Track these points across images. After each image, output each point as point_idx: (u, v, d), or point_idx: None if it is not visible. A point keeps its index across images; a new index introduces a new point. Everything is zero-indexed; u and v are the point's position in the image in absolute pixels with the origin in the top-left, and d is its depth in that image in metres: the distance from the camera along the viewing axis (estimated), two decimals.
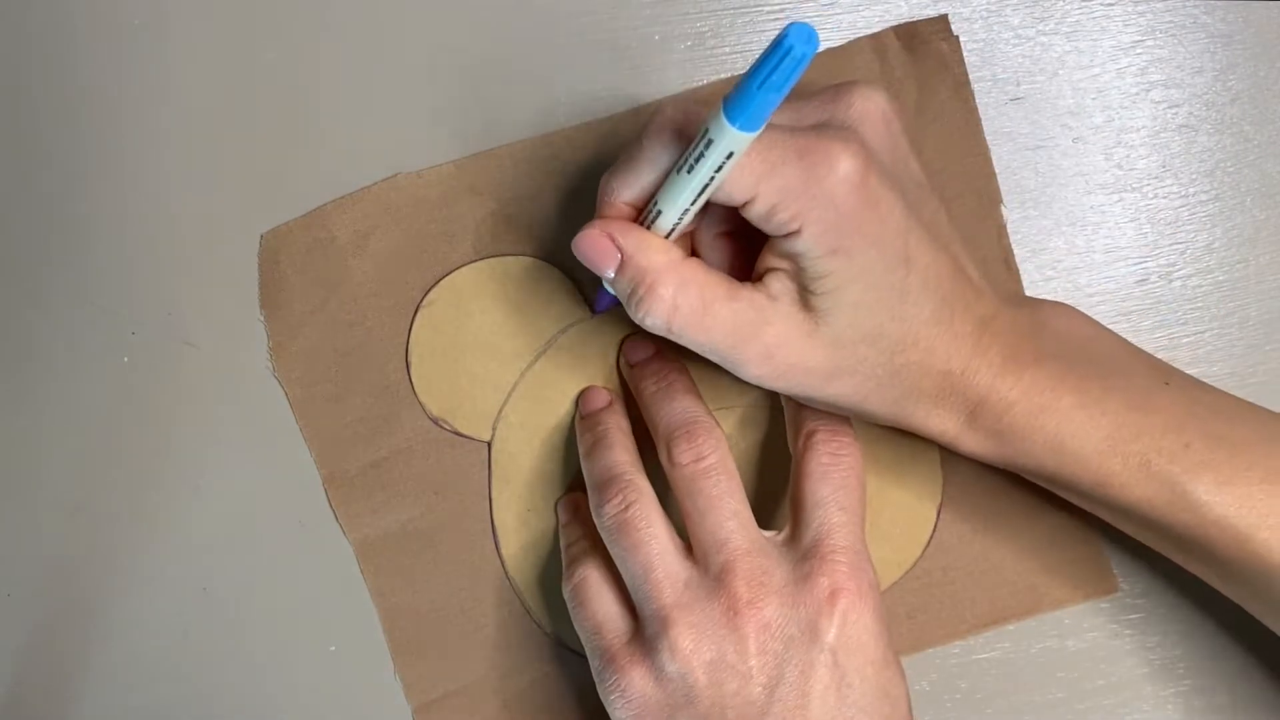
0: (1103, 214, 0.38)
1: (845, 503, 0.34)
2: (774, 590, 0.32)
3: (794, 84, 0.25)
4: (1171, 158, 0.38)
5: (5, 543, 0.40)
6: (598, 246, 0.31)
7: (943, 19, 0.37)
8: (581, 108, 0.38)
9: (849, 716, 0.32)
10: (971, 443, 0.33)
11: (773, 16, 0.37)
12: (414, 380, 0.39)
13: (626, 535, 0.33)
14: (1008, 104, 0.38)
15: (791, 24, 0.24)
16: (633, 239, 0.31)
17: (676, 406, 0.35)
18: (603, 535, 0.34)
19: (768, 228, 0.30)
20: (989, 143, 0.37)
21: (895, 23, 0.37)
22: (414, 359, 0.39)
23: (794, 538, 0.34)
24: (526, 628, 0.40)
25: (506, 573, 0.39)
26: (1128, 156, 0.38)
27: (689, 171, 0.28)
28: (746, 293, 0.31)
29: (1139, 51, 0.37)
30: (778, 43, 0.24)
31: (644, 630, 0.33)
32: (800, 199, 0.29)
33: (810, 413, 0.35)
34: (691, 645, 0.32)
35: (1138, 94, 0.38)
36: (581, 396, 0.38)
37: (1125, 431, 0.31)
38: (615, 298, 0.33)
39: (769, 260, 0.31)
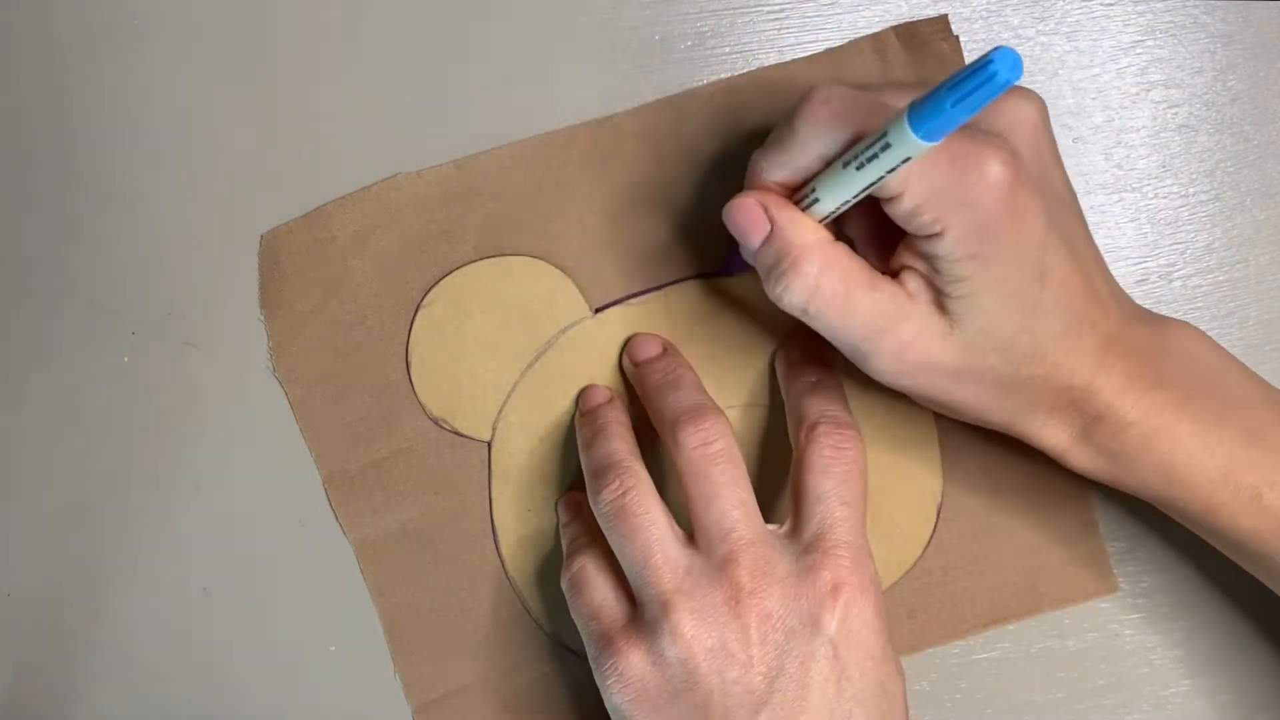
0: (1103, 214, 0.38)
1: (848, 496, 0.34)
2: (776, 581, 0.32)
3: (979, 105, 0.24)
4: (1171, 158, 0.38)
5: (5, 543, 0.40)
6: (750, 215, 0.31)
7: (943, 19, 0.37)
8: (581, 108, 0.38)
9: (847, 710, 0.32)
10: (1081, 458, 0.33)
11: (773, 16, 0.38)
12: (414, 380, 0.39)
13: (624, 521, 0.33)
14: None
15: (999, 49, 0.24)
16: (786, 214, 0.31)
17: (683, 394, 0.35)
18: (600, 522, 0.34)
19: (910, 226, 0.30)
20: None
21: (895, 23, 0.37)
22: (414, 359, 0.39)
23: (796, 531, 0.34)
24: (526, 628, 0.40)
25: (506, 573, 0.39)
26: (1128, 156, 0.38)
27: (858, 169, 0.28)
28: (888, 285, 0.31)
29: (1139, 51, 0.37)
30: (982, 65, 0.24)
31: (643, 615, 0.33)
32: (946, 202, 0.29)
33: (812, 405, 0.35)
34: (693, 630, 0.32)
35: (1138, 94, 0.38)
36: (582, 394, 0.38)
37: (1239, 463, 0.31)
38: (745, 265, 0.34)
39: (905, 258, 0.31)
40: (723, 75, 0.38)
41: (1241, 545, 0.32)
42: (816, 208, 0.31)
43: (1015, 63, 0.23)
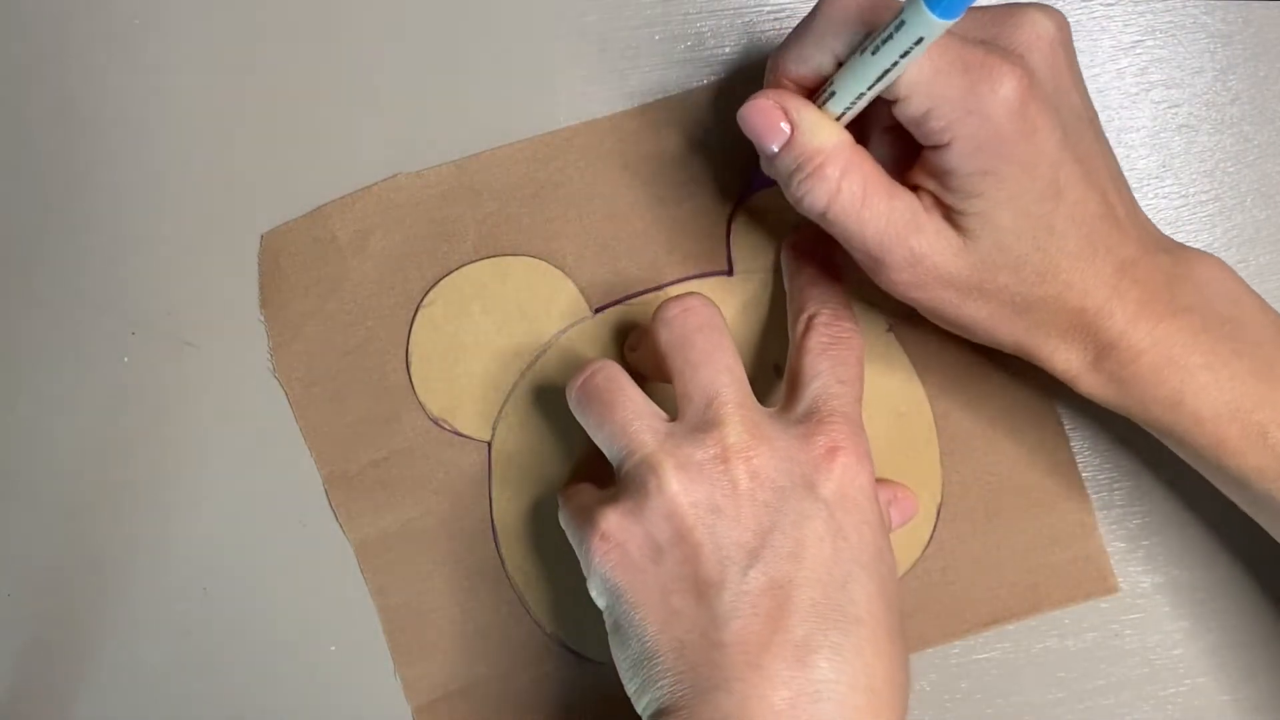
0: None
1: (844, 376, 0.33)
2: (766, 441, 0.31)
3: None
4: (1171, 158, 0.38)
5: (5, 543, 0.40)
6: (768, 118, 0.30)
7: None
8: (581, 108, 0.38)
9: (845, 570, 0.30)
10: (1091, 383, 0.32)
11: (773, 16, 0.37)
12: (414, 380, 0.39)
13: (598, 399, 0.32)
14: None
15: None
16: (807, 115, 0.30)
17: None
18: (578, 418, 0.33)
19: (919, 133, 0.29)
20: None
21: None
22: (414, 359, 0.39)
23: (789, 406, 0.33)
24: (526, 628, 0.40)
25: (506, 573, 0.39)
26: (1128, 156, 0.38)
27: (873, 53, 0.28)
28: (906, 195, 0.30)
29: (1139, 51, 0.37)
30: None
31: (627, 477, 0.31)
32: (956, 111, 0.28)
33: (813, 296, 0.35)
34: (679, 485, 0.30)
35: (1138, 94, 0.38)
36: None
37: (1248, 400, 0.31)
38: (768, 180, 0.34)
39: (919, 176, 0.31)
40: (723, 75, 0.38)
41: (1244, 482, 0.31)
42: (832, 103, 0.30)
43: None
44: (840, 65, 0.30)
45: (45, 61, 0.39)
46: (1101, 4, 0.37)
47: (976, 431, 0.38)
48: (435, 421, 0.39)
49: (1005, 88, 0.28)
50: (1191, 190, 0.38)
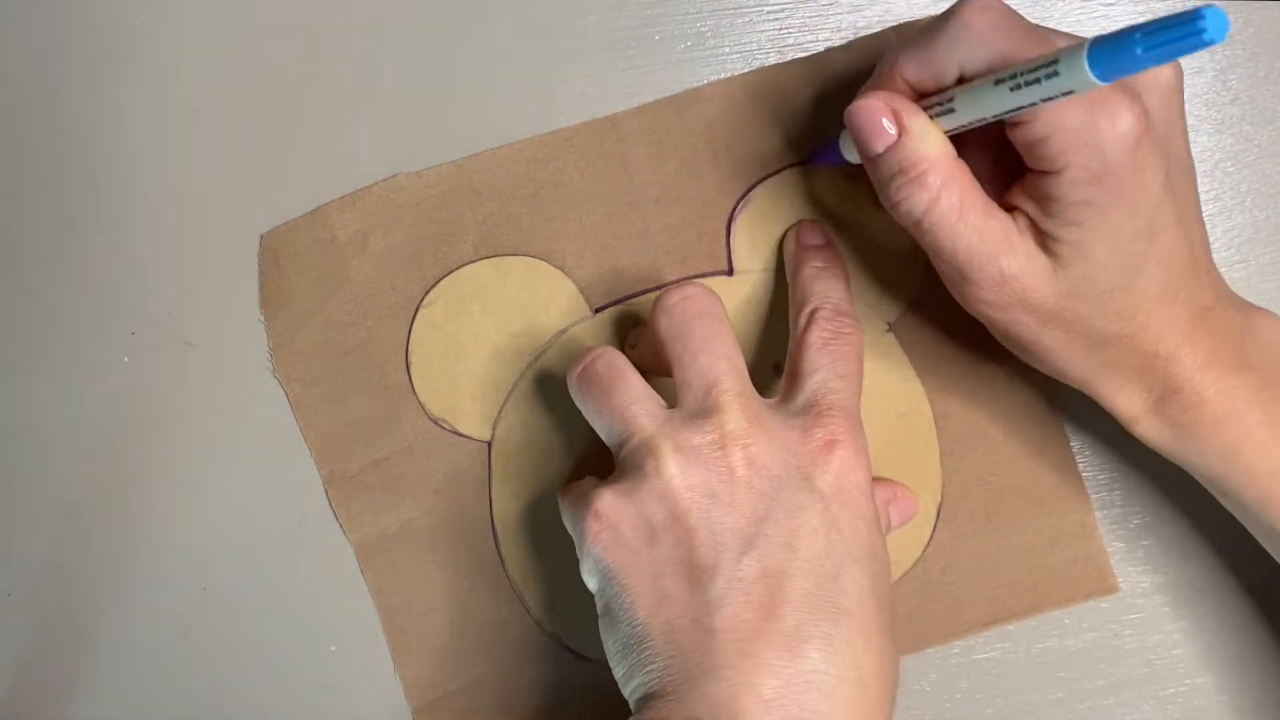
0: None
1: (844, 371, 0.33)
2: (765, 430, 0.31)
3: (1173, 58, 0.24)
4: None
5: (5, 543, 0.40)
6: (876, 118, 0.30)
7: None
8: (581, 108, 0.38)
9: (838, 561, 0.30)
10: (1150, 427, 0.32)
11: (773, 16, 0.37)
12: (414, 380, 0.39)
13: (598, 383, 0.32)
14: None
15: (1209, 6, 0.23)
16: (917, 122, 0.30)
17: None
18: (577, 403, 0.33)
19: (1030, 157, 0.29)
20: None
21: (895, 22, 0.37)
22: (414, 359, 0.39)
23: (788, 399, 0.33)
24: (526, 628, 0.40)
25: (506, 573, 0.39)
26: None
27: (1012, 89, 0.27)
28: (1002, 214, 0.30)
29: None
30: (1189, 18, 0.23)
31: (624, 460, 0.31)
32: (1073, 140, 0.28)
33: (816, 289, 0.35)
34: (676, 468, 0.30)
35: None
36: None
37: None
38: (834, 158, 0.34)
39: (1018, 197, 0.30)
40: (723, 75, 0.38)
41: None
42: (948, 119, 0.30)
43: (1223, 24, 0.23)
44: (962, 80, 0.30)
45: (45, 62, 0.39)
46: (1101, 4, 0.37)
47: (976, 431, 0.38)
48: (435, 421, 0.39)
49: (1124, 124, 0.28)
50: None
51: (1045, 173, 0.29)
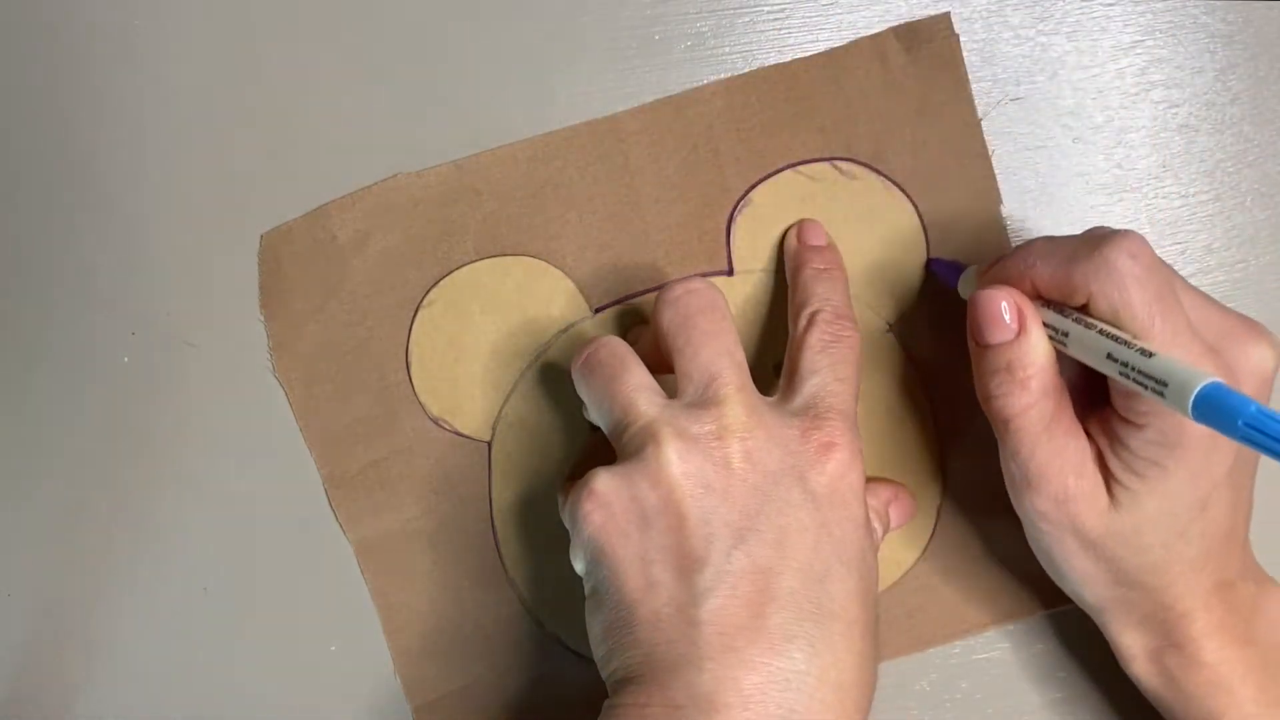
0: (1103, 214, 0.38)
1: (842, 374, 0.33)
2: (763, 427, 0.31)
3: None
4: (1171, 158, 0.38)
5: (5, 543, 0.40)
6: (998, 312, 0.31)
7: (943, 18, 0.37)
8: (581, 107, 0.38)
9: (826, 563, 0.30)
10: (1144, 670, 0.34)
11: (773, 16, 0.38)
12: (414, 380, 0.39)
13: (601, 371, 0.32)
14: (1008, 104, 0.38)
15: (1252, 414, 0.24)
16: (1037, 328, 0.31)
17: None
18: (579, 391, 0.33)
19: (1118, 401, 0.30)
20: (989, 143, 0.37)
21: (895, 23, 0.37)
22: (414, 359, 0.39)
23: (786, 399, 0.33)
24: (526, 628, 0.40)
25: (506, 573, 0.39)
26: (1128, 156, 0.38)
27: (1119, 371, 0.29)
28: (1082, 437, 0.31)
29: (1139, 51, 0.37)
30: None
31: (623, 443, 0.31)
32: (1159, 405, 0.29)
33: (816, 291, 0.35)
34: (674, 455, 0.30)
35: (1138, 94, 0.38)
36: None
37: None
38: (951, 280, 0.35)
39: (1095, 428, 0.31)
40: (723, 75, 0.38)
41: None
42: (1056, 342, 0.31)
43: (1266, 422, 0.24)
44: (1085, 309, 0.30)
45: (45, 62, 0.39)
46: (1101, 4, 0.37)
47: (976, 431, 0.38)
48: (435, 421, 0.39)
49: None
50: (1191, 190, 0.38)
51: (1126, 420, 0.30)
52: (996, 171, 0.38)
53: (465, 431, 0.39)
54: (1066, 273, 0.30)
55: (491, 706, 0.40)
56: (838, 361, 0.33)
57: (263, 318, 0.39)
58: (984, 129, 0.37)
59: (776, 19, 0.38)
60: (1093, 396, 0.32)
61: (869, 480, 0.36)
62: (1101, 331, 0.29)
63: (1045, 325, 0.31)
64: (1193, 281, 0.38)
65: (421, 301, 0.39)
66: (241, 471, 0.40)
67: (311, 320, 0.39)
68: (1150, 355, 0.28)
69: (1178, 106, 0.38)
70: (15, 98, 0.39)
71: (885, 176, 0.37)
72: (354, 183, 0.38)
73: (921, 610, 0.39)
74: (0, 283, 0.40)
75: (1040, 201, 0.38)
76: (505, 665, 0.40)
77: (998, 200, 0.38)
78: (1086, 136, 0.38)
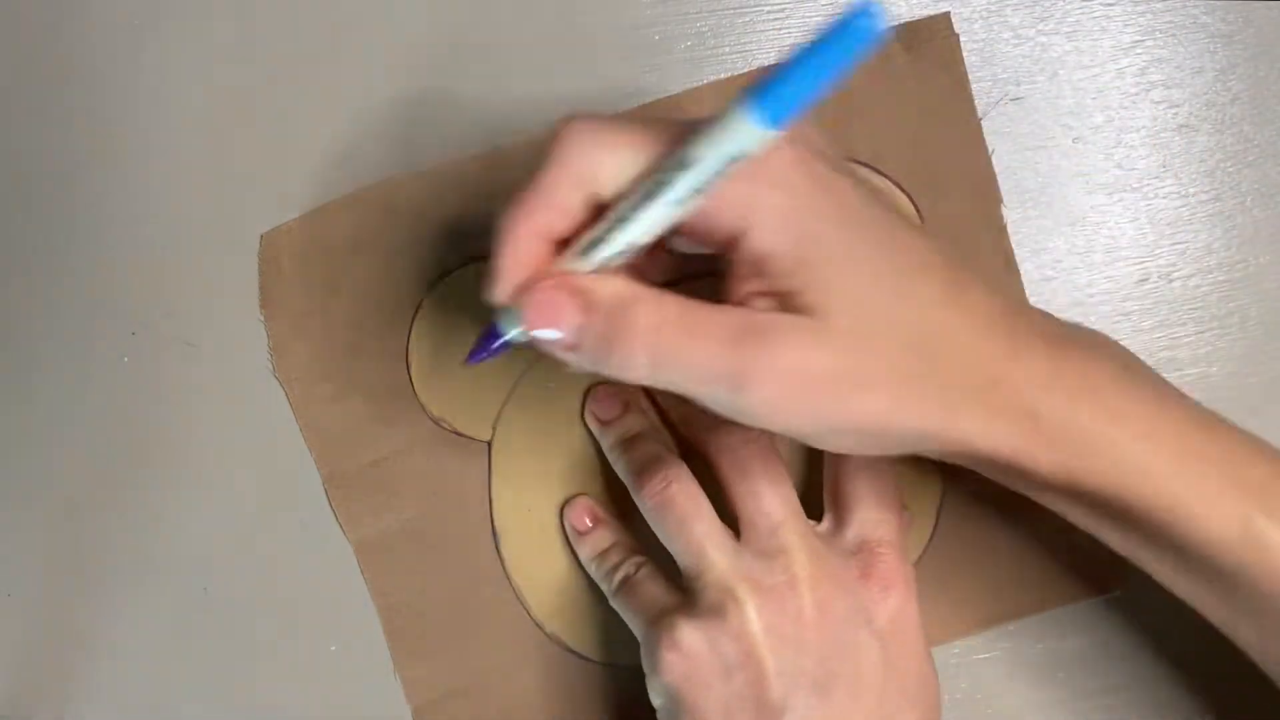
0: (1103, 214, 0.38)
1: (886, 497, 0.34)
2: (829, 573, 0.33)
3: (845, 72, 0.21)
4: (1171, 158, 0.38)
5: (5, 543, 0.40)
6: (556, 303, 0.27)
7: (943, 18, 0.37)
8: (582, 108, 0.38)
9: (895, 701, 0.32)
10: (1039, 457, 0.28)
11: (773, 16, 0.38)
12: (414, 380, 0.39)
13: (672, 512, 0.34)
14: (1008, 104, 0.38)
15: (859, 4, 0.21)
16: (585, 280, 0.27)
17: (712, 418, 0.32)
18: (648, 518, 0.35)
19: (714, 241, 0.27)
20: (989, 143, 0.37)
21: (895, 22, 0.37)
22: (414, 359, 0.39)
23: (837, 531, 0.34)
24: (526, 628, 0.40)
25: (506, 573, 0.39)
26: (1128, 156, 0.38)
27: (670, 187, 0.25)
28: (734, 310, 0.27)
29: (1139, 51, 0.37)
30: (840, 22, 0.21)
31: (702, 595, 0.33)
32: (742, 191, 0.26)
33: None
34: (752, 611, 0.32)
35: (1138, 94, 0.38)
36: (591, 399, 0.38)
37: (1195, 451, 0.28)
38: (497, 347, 0.31)
39: (735, 291, 0.28)
40: (723, 75, 0.38)
41: (1201, 554, 0.29)
42: (595, 254, 0.27)
43: (871, 13, 0.21)
44: (597, 208, 0.27)
45: (45, 61, 0.39)
46: (1101, 4, 0.37)
47: None
48: (435, 421, 0.39)
49: (782, 151, 0.26)
50: (1191, 190, 0.38)
51: (734, 239, 0.26)
52: (996, 171, 0.38)
53: (465, 431, 0.39)
54: (546, 199, 0.27)
55: (491, 706, 0.40)
56: (878, 483, 0.35)
57: (263, 318, 0.39)
58: (984, 129, 0.37)
59: (776, 19, 0.38)
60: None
61: None
62: (644, 195, 0.25)
63: (577, 255, 0.27)
64: (1191, 282, 0.38)
65: (421, 302, 0.38)
66: (241, 471, 0.40)
67: (311, 320, 0.39)
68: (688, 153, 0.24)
69: (1178, 106, 0.38)
70: (15, 97, 0.39)
71: (885, 176, 0.37)
72: (354, 183, 0.38)
73: (921, 610, 0.39)
74: (0, 283, 0.40)
75: (1040, 201, 0.38)
76: (505, 665, 0.40)
77: (998, 200, 0.38)
78: (1086, 136, 0.38)
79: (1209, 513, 0.28)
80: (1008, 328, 0.28)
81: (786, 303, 0.27)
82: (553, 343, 0.28)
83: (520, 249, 0.27)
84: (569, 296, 0.27)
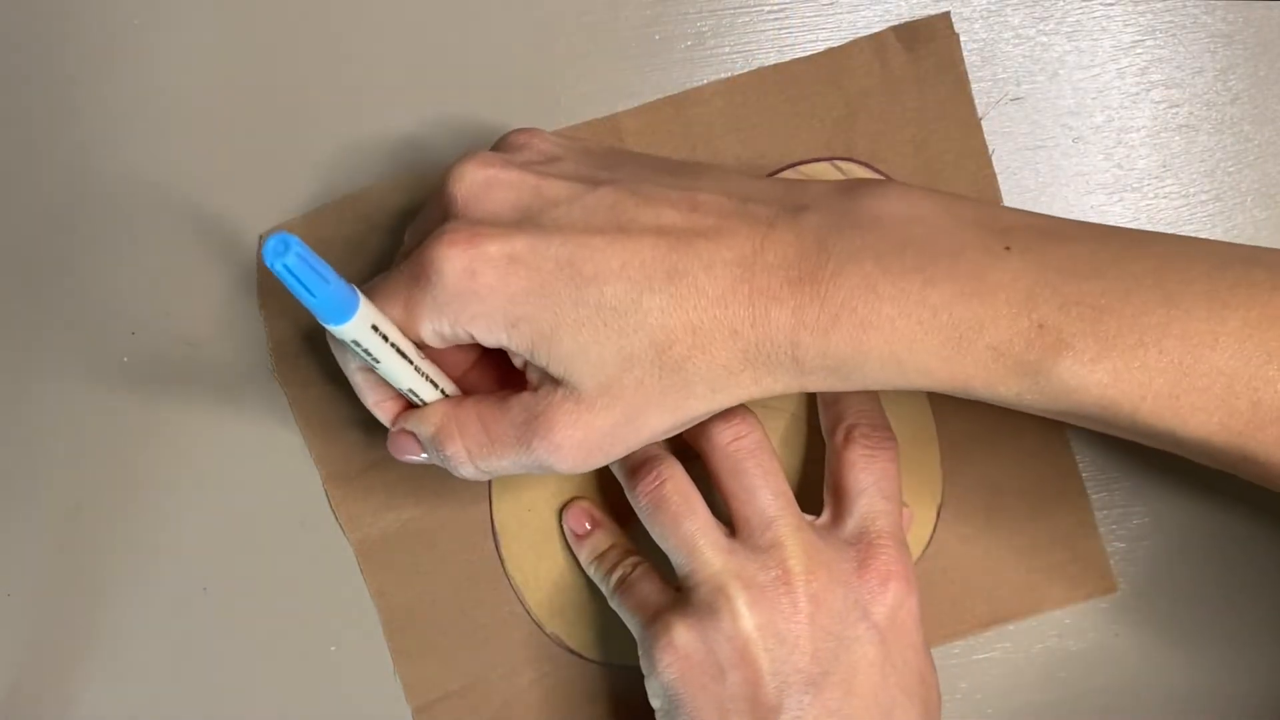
0: (1103, 214, 0.38)
1: (887, 491, 0.34)
2: (824, 566, 0.33)
3: (316, 273, 0.26)
4: (1171, 158, 0.38)
5: (5, 543, 0.40)
6: (400, 443, 0.33)
7: (943, 17, 0.37)
8: (581, 108, 0.38)
9: (891, 696, 0.32)
10: (817, 385, 0.29)
11: (773, 16, 0.38)
12: None
13: (665, 510, 0.34)
14: (1008, 104, 0.38)
15: (264, 244, 0.25)
16: (412, 420, 0.32)
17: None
18: (641, 517, 0.35)
19: (462, 352, 0.32)
20: (989, 143, 0.38)
21: (895, 22, 0.37)
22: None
23: (836, 523, 0.34)
24: (526, 628, 0.40)
25: (506, 573, 0.39)
26: (1128, 156, 0.38)
27: (377, 362, 0.29)
28: (516, 397, 0.30)
29: (1139, 51, 0.37)
30: (270, 267, 0.25)
31: (695, 594, 0.33)
32: (445, 312, 0.29)
33: (850, 405, 0.35)
34: (746, 609, 0.32)
35: (1138, 94, 0.38)
36: None
37: (966, 326, 0.27)
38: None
39: (515, 360, 0.31)
40: (723, 75, 0.38)
41: (1024, 409, 0.28)
42: (422, 394, 0.31)
43: (276, 247, 0.25)
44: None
45: (45, 61, 0.39)
46: (1101, 4, 0.37)
47: (976, 432, 0.38)
48: None
49: (446, 263, 0.28)
50: (1191, 190, 0.38)
51: (476, 342, 0.30)
52: (996, 171, 0.38)
53: None
54: (360, 386, 0.33)
55: (491, 706, 0.40)
56: (882, 477, 0.34)
57: (263, 318, 0.39)
58: (984, 129, 0.37)
59: (776, 19, 0.38)
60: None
61: None
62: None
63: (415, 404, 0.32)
64: None
65: None
66: (241, 471, 0.40)
67: (311, 320, 0.39)
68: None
69: (1178, 106, 0.38)
70: (14, 97, 0.39)
71: (885, 176, 0.37)
72: (354, 184, 0.38)
73: (922, 611, 0.39)
74: (0, 283, 0.40)
75: (1040, 201, 0.38)
76: (505, 665, 0.40)
77: (998, 200, 0.38)
78: (1086, 136, 0.38)
79: (998, 379, 0.27)
80: (745, 273, 0.28)
81: (548, 376, 0.29)
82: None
83: (378, 411, 0.33)
84: (406, 439, 0.32)
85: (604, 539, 0.37)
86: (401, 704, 0.40)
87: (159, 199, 0.39)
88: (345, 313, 0.27)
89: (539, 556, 0.39)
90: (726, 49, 0.38)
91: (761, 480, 0.33)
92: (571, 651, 0.40)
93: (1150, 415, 0.27)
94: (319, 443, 0.39)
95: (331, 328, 0.27)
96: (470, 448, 0.31)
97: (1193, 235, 0.38)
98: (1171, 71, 0.37)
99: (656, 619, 0.33)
